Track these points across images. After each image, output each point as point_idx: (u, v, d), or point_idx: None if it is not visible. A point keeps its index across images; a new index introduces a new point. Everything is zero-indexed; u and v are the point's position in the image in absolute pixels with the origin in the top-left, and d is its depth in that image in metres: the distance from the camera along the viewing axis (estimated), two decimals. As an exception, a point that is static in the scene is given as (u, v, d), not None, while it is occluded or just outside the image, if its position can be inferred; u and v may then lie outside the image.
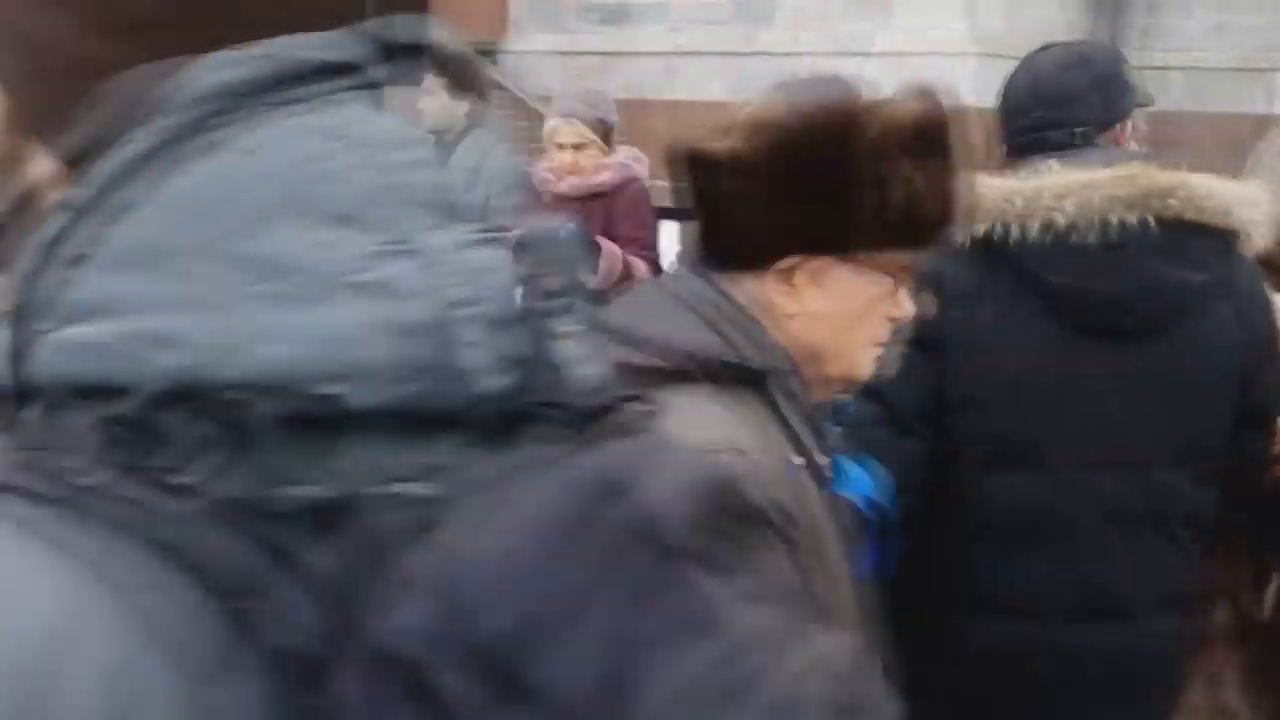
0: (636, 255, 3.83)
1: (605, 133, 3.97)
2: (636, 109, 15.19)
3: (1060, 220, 1.76)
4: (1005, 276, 1.83)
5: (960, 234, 1.74)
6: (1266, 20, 13.08)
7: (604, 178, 3.90)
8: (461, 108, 4.06)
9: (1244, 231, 1.81)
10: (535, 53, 19.59)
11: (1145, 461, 1.87)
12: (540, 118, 18.12)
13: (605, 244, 3.79)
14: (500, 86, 16.49)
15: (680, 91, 16.61)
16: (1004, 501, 1.75)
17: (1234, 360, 1.86)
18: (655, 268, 3.82)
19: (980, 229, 1.79)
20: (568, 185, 3.91)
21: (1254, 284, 1.89)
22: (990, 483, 1.83)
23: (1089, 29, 14.82)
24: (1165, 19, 14.47)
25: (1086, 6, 14.83)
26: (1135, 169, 1.81)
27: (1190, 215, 1.78)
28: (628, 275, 3.77)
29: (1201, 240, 1.79)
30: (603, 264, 3.75)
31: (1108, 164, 1.82)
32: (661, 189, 4.65)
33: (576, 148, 3.90)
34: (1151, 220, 1.76)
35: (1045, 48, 2.09)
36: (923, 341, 1.73)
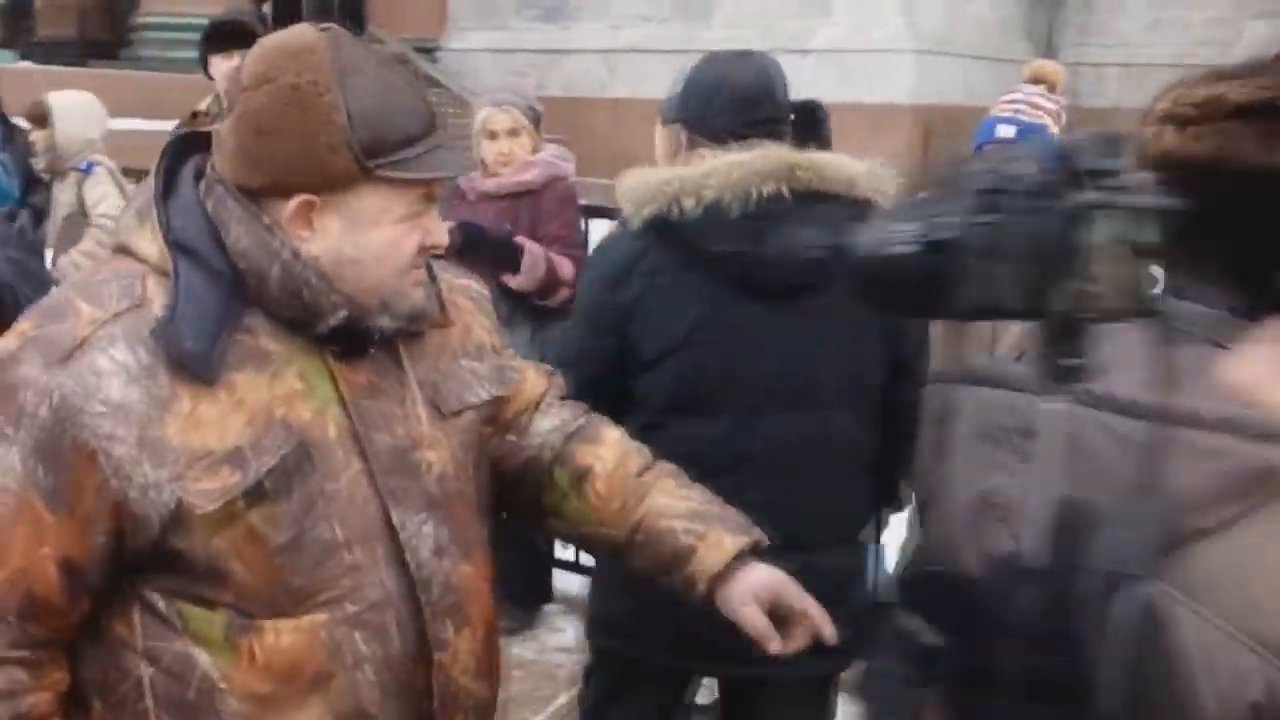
0: (562, 254, 3.79)
1: (536, 121, 3.94)
2: (576, 107, 15.22)
3: (709, 195, 2.05)
4: (672, 250, 2.12)
5: (628, 218, 2.14)
6: (1203, 16, 13.36)
7: (530, 175, 3.84)
8: None
9: (873, 201, 2.07)
10: (474, 50, 19.56)
11: (814, 405, 2.14)
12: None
13: (529, 245, 3.75)
14: (439, 84, 16.46)
15: (620, 90, 16.68)
16: (685, 446, 1.88)
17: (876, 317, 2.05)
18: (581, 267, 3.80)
19: (645, 211, 2.10)
20: (494, 184, 3.86)
21: None
22: (672, 430, 2.07)
23: (1026, 26, 15.08)
24: (1102, 16, 14.73)
25: (1023, 4, 15.07)
26: (772, 149, 2.10)
27: (818, 186, 2.07)
28: (553, 275, 3.75)
29: (831, 209, 2.03)
30: (527, 263, 3.73)
31: (755, 150, 2.10)
32: (591, 186, 4.67)
33: (511, 133, 3.86)
34: (786, 191, 2.05)
35: (718, 55, 2.34)
36: (600, 320, 2.16)
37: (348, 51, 1.34)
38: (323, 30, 1.35)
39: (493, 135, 3.89)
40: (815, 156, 2.12)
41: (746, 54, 2.33)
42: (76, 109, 5.01)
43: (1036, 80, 3.23)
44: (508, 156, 3.86)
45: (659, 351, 2.13)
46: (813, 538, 2.03)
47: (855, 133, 4.64)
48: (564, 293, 3.70)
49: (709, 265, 2.10)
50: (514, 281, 3.73)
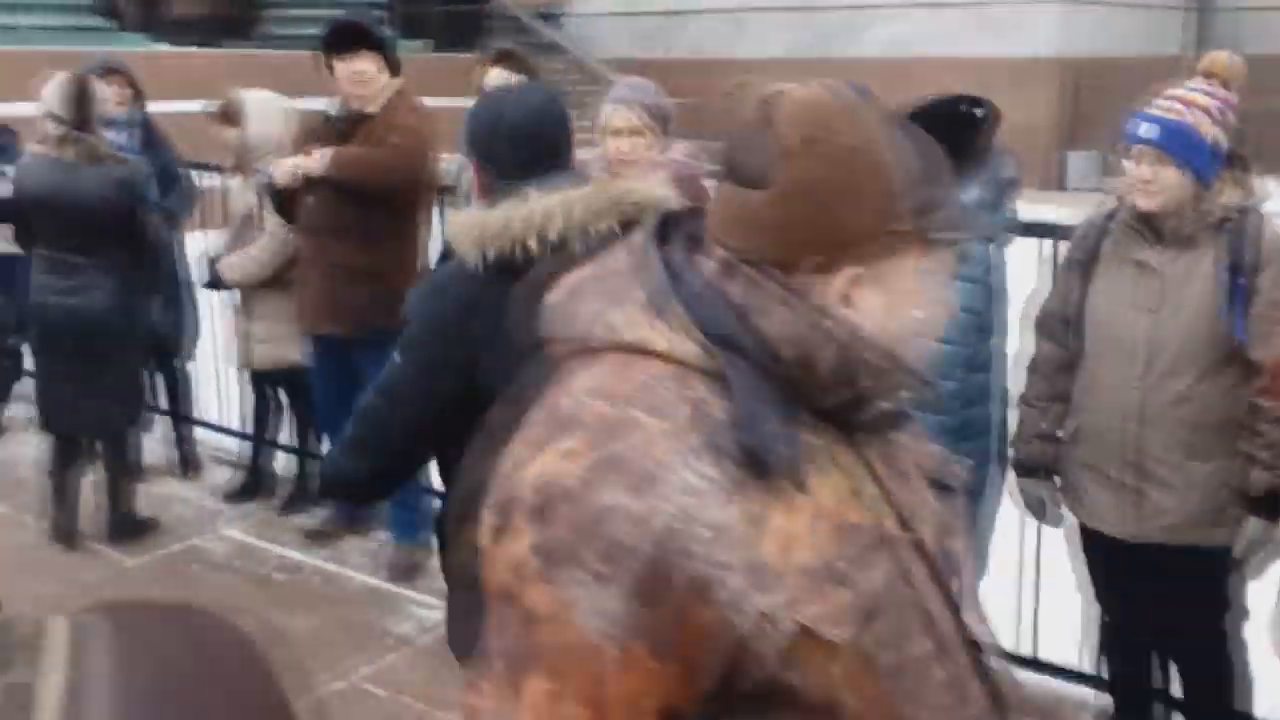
0: None
1: (663, 121, 3.81)
2: (704, 69, 15.09)
3: (552, 235, 2.19)
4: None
5: (470, 259, 2.23)
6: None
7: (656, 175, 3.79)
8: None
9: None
10: (599, 15, 19.56)
11: None
12: (606, 83, 18.05)
13: None
14: (562, 50, 16.52)
15: (748, 49, 16.47)
16: None
17: None
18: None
19: (489, 252, 2.22)
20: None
21: None
22: None
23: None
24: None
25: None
26: (601, 183, 2.28)
27: (640, 213, 2.15)
28: None
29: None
30: None
31: (575, 184, 2.26)
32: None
33: (633, 132, 3.75)
34: (617, 225, 2.17)
35: (504, 95, 2.56)
36: (445, 359, 2.25)
37: (872, 105, 1.22)
38: (828, 84, 1.23)
39: (616, 132, 3.80)
40: (635, 186, 2.30)
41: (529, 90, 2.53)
42: (269, 109, 5.07)
43: (1208, 74, 2.97)
44: (627, 156, 3.80)
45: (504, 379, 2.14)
46: None
47: (997, 87, 4.48)
48: None
49: None
50: None
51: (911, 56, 14.89)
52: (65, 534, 4.95)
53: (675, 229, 1.28)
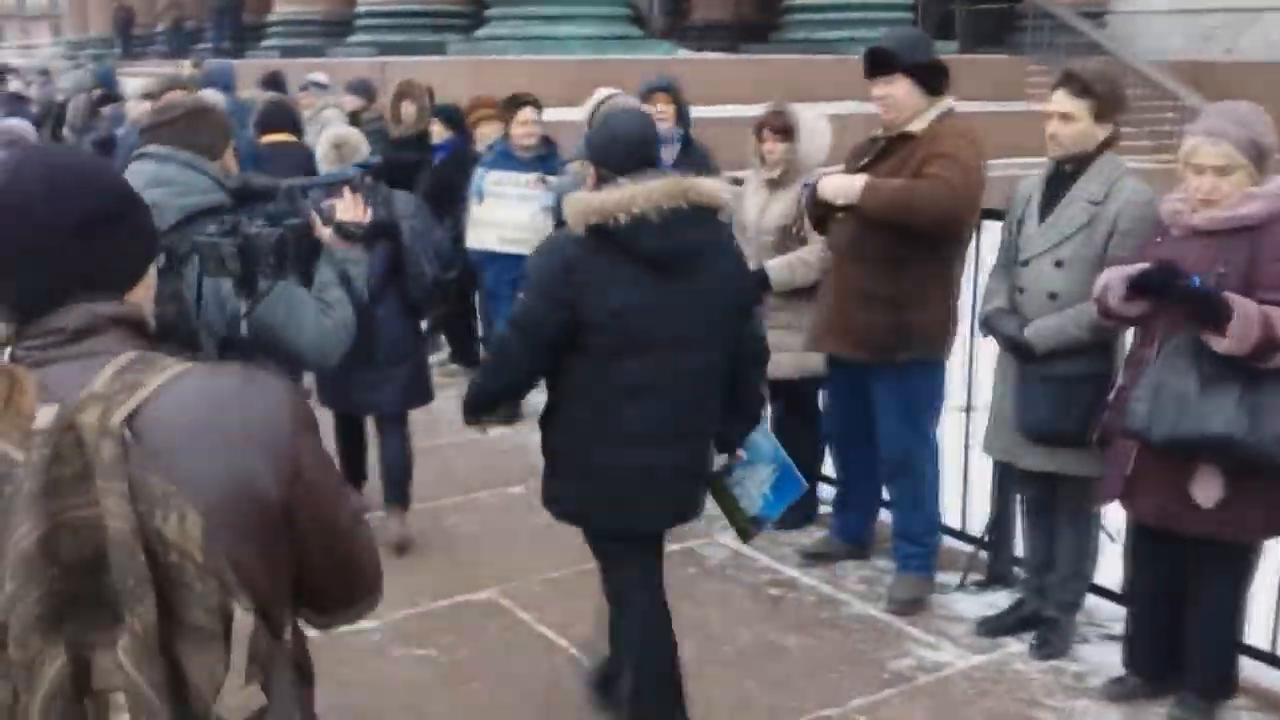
0: None
1: (1259, 156, 3.48)
2: (1274, 74, 13.79)
3: (635, 210, 3.19)
4: (610, 248, 3.23)
5: (576, 228, 3.25)
6: None
7: (1250, 209, 3.45)
8: (1101, 131, 3.95)
9: (725, 208, 3.40)
10: (1149, 12, 18.48)
11: (700, 347, 3.36)
12: (1155, 86, 17.03)
13: (1238, 302, 3.34)
14: (1104, 51, 15.72)
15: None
16: (623, 379, 3.30)
17: (731, 281, 3.43)
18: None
19: (590, 222, 3.22)
20: (1202, 218, 3.51)
21: (731, 238, 3.66)
22: (612, 369, 3.30)
23: None
24: None
25: None
26: (671, 179, 3.28)
27: (700, 202, 3.28)
28: (1271, 335, 3.33)
29: (709, 216, 3.34)
30: (1237, 326, 3.30)
31: (655, 178, 3.27)
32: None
33: (1218, 171, 3.47)
34: (685, 205, 3.23)
35: (617, 115, 3.69)
36: (557, 297, 3.26)
37: None
38: None
39: (1198, 170, 3.51)
40: (697, 181, 3.31)
41: (633, 113, 3.76)
42: (819, 125, 5.23)
43: None
44: (1208, 196, 3.49)
45: (604, 318, 3.25)
46: (698, 429, 3.47)
47: None
48: None
49: (636, 256, 3.23)
50: (1220, 345, 3.35)
51: None
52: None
53: None
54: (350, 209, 3.33)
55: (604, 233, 3.18)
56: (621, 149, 3.32)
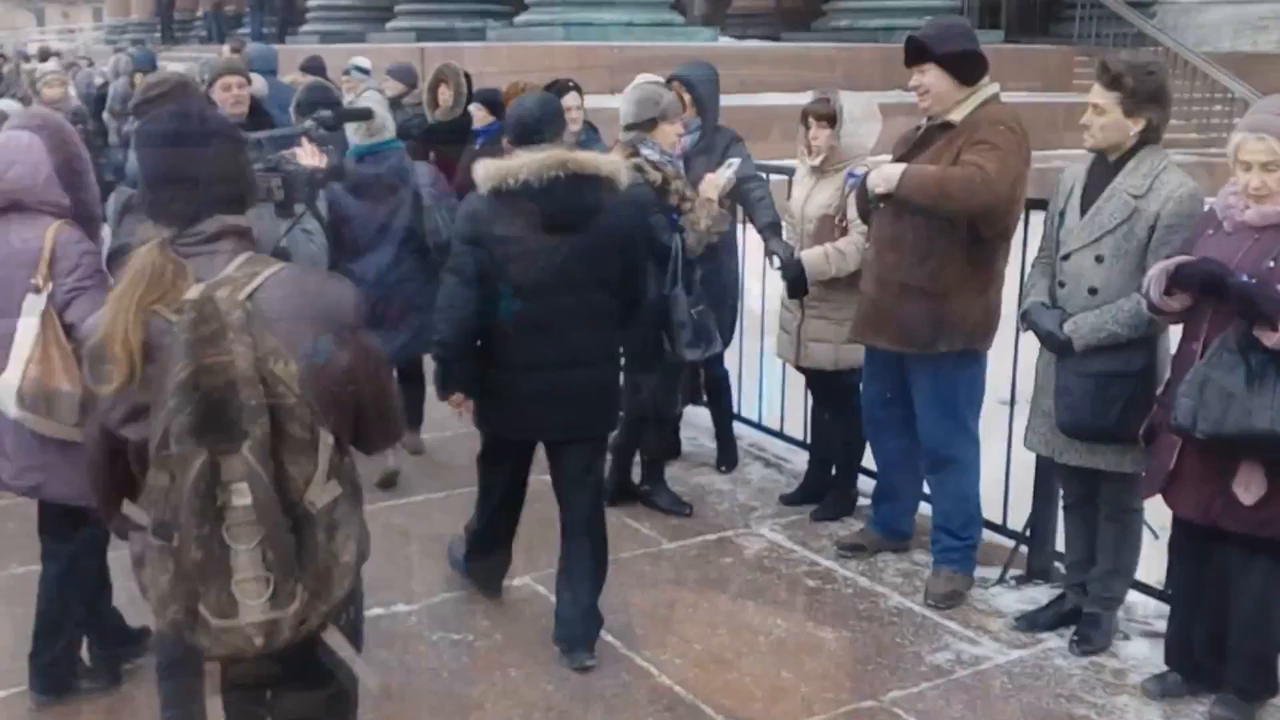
0: None
1: None
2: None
3: (522, 176, 3.88)
4: (511, 207, 3.92)
5: (483, 190, 3.95)
6: None
7: None
8: (1134, 124, 3.92)
9: (613, 179, 4.02)
10: (1199, 3, 18.30)
11: (586, 288, 4.03)
12: (1204, 78, 16.83)
13: None
14: (1153, 42, 15.58)
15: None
16: (525, 317, 3.99)
17: (614, 239, 4.05)
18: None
19: (491, 185, 3.91)
20: (1254, 214, 3.51)
21: (627, 198, 4.14)
22: (513, 306, 3.98)
23: None
24: None
25: None
26: (557, 151, 3.96)
27: (578, 171, 3.93)
28: None
29: (589, 182, 3.97)
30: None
31: (541, 151, 3.94)
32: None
33: (1264, 167, 3.46)
34: (563, 174, 3.89)
35: (525, 99, 4.32)
36: (471, 240, 4.00)
37: None
38: None
39: (1245, 166, 3.50)
40: (576, 154, 4.00)
41: (537, 96, 4.34)
42: (865, 115, 5.21)
43: None
44: (1258, 192, 3.47)
45: (503, 262, 3.95)
46: (590, 358, 4.11)
47: None
48: None
49: (533, 215, 3.92)
50: (1271, 339, 3.34)
51: None
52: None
53: None
54: (308, 156, 4.17)
55: (499, 193, 3.92)
56: (516, 126, 4.07)
